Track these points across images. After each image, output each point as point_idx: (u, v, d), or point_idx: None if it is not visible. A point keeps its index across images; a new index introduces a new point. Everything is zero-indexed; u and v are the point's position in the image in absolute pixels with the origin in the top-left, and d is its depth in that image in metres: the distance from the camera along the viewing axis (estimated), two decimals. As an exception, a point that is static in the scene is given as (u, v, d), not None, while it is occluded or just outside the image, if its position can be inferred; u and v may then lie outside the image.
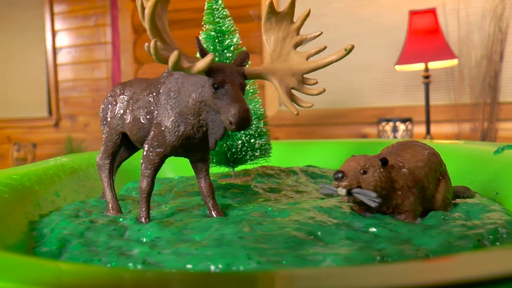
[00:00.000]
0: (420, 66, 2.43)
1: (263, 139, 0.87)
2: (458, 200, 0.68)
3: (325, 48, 0.62)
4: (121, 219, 0.64)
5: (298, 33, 0.63)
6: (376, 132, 2.69)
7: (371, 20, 2.88)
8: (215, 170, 0.95)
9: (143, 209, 0.64)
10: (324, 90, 0.61)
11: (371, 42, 2.87)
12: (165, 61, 0.53)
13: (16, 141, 3.31)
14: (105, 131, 0.72)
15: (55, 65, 3.53)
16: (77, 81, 3.48)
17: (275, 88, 0.60)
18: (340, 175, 0.57)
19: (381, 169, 0.58)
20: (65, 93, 3.53)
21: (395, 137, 2.42)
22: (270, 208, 0.63)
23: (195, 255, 0.49)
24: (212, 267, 0.47)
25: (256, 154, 0.87)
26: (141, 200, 0.64)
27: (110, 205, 0.70)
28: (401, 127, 2.43)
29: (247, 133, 0.85)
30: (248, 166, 0.92)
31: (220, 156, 0.86)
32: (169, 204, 0.72)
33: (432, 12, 2.40)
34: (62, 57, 3.53)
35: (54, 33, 3.53)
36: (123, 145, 0.75)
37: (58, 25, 3.53)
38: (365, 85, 2.91)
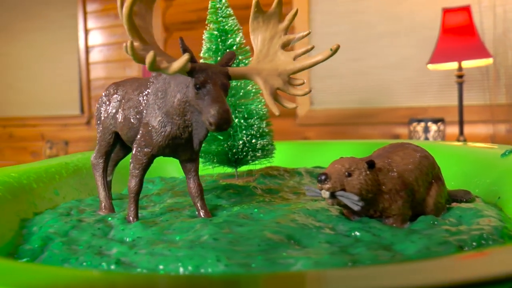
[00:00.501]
0: (454, 65, 2.37)
1: (265, 140, 0.86)
2: (453, 204, 0.66)
3: (312, 48, 0.61)
4: (109, 218, 0.65)
5: (286, 33, 0.62)
6: (407, 133, 2.64)
7: (405, 17, 2.83)
8: (220, 170, 0.95)
9: (131, 208, 0.64)
10: (310, 91, 0.60)
11: (404, 40, 2.82)
12: (143, 61, 0.53)
13: (48, 139, 3.39)
14: (99, 130, 0.72)
15: (87, 63, 3.59)
16: (109, 80, 3.53)
17: (260, 88, 0.60)
18: (323, 177, 0.56)
19: (367, 172, 0.57)
20: (97, 91, 3.58)
21: (426, 138, 2.37)
22: (256, 210, 0.63)
23: (167, 256, 0.49)
24: (181, 269, 0.47)
25: (258, 154, 0.86)
26: (130, 199, 0.64)
27: (102, 204, 0.70)
28: (433, 127, 2.38)
29: (249, 133, 0.85)
30: (253, 166, 0.92)
31: (221, 156, 0.86)
32: (162, 204, 0.72)
33: (466, 9, 2.34)
34: (94, 56, 3.59)
35: (86, 32, 3.60)
36: (118, 145, 0.75)
37: (90, 24, 3.59)
38: (397, 84, 2.86)
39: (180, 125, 0.61)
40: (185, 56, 0.52)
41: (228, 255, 0.48)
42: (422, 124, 2.39)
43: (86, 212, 0.70)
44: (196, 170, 0.66)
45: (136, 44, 0.53)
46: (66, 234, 0.60)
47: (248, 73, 0.60)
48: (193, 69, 0.56)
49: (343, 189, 0.56)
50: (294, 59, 0.61)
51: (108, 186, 0.74)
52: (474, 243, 0.51)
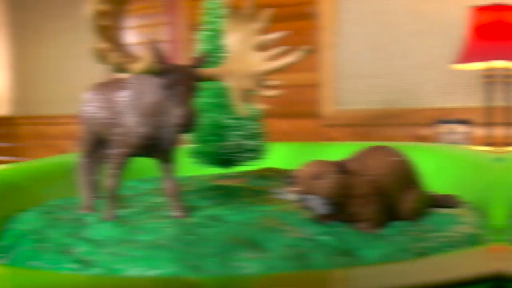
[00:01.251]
0: (482, 65, 2.31)
1: (256, 141, 0.85)
2: (436, 210, 0.64)
3: (287, 49, 0.60)
4: (86, 217, 0.65)
5: (261, 34, 0.61)
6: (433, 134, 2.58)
7: (432, 16, 2.77)
8: (214, 170, 0.94)
9: (108, 207, 0.64)
10: (281, 92, 0.59)
11: (431, 39, 2.76)
12: (107, 62, 0.53)
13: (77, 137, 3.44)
14: (83, 130, 0.73)
15: (117, 63, 3.64)
16: (137, 79, 3.56)
17: (230, 89, 0.59)
18: (290, 180, 0.56)
19: (337, 175, 0.56)
20: (126, 91, 3.61)
21: (452, 140, 2.32)
22: (229, 211, 0.62)
23: (125, 256, 0.50)
24: (135, 269, 0.47)
25: (248, 155, 0.85)
26: (107, 198, 0.65)
27: (83, 203, 0.71)
28: (459, 129, 2.34)
29: (238, 134, 0.84)
30: (248, 167, 0.91)
31: (212, 157, 0.86)
32: (146, 203, 0.72)
33: (495, 7, 2.28)
34: (125, 56, 3.63)
35: (117, 33, 3.64)
36: (106, 145, 0.76)
37: (120, 24, 3.63)
38: (424, 85, 2.81)
39: (154, 126, 0.61)
40: (146, 58, 0.52)
41: (182, 257, 0.48)
42: (448, 125, 2.35)
43: (69, 210, 0.71)
44: (172, 171, 0.66)
45: (102, 45, 0.54)
46: (40, 232, 0.60)
47: (219, 74, 0.59)
48: (161, 70, 0.56)
49: (311, 192, 0.55)
50: (268, 60, 0.60)
51: (92, 185, 0.74)
52: (438, 251, 0.49)
